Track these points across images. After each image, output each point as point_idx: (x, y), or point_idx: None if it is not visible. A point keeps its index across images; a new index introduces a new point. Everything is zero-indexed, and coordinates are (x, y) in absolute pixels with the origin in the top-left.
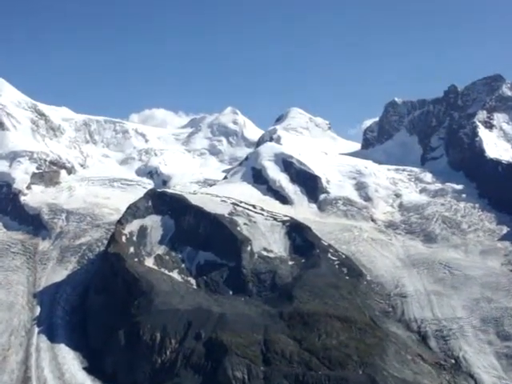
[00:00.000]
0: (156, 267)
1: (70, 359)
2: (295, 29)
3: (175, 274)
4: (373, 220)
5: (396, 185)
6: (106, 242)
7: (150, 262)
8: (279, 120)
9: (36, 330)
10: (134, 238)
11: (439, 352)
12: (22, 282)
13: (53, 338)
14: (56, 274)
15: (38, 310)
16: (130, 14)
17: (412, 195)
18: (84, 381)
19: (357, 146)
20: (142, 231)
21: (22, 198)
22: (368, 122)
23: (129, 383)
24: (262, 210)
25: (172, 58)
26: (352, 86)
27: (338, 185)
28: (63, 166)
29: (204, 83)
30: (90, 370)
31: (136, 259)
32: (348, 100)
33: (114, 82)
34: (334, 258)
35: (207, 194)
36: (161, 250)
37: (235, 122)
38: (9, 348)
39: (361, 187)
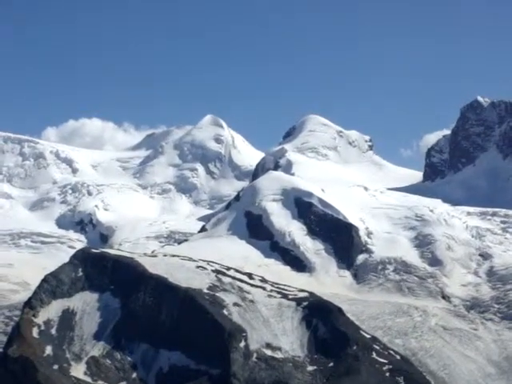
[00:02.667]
0: (89, 379)
1: None
2: None
3: None
4: (445, 297)
5: (482, 239)
6: (4, 338)
7: (79, 371)
8: (289, 136)
9: None
10: (53, 331)
11: None
12: None
13: None
14: None
15: None
16: None
17: (509, 256)
18: None
19: (416, 177)
20: (67, 319)
21: None
22: (432, 138)
23: None
24: (264, 281)
25: (110, 47)
26: (404, 84)
27: (386, 239)
28: None
29: (166, 81)
30: None
31: (56, 366)
32: (398, 105)
33: (19, 84)
34: (381, 360)
35: (174, 256)
36: (98, 349)
37: (218, 140)
38: None
39: (424, 243)
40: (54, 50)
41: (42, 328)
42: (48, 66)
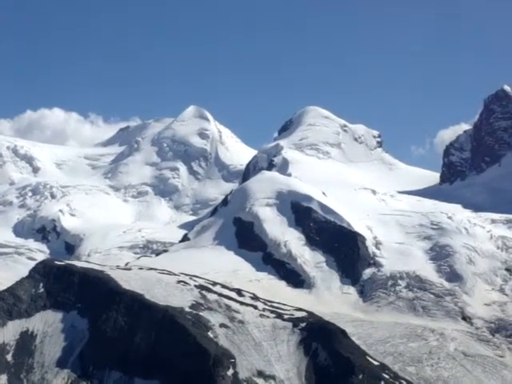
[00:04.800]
0: None
1: None
2: None
3: None
4: (466, 318)
5: (509, 250)
6: None
7: None
8: (286, 130)
9: None
10: (9, 357)
11: None
12: None
13: None
14: None
15: None
16: None
17: None
18: None
19: (432, 178)
20: (26, 343)
21: None
22: (448, 134)
23: None
24: (256, 298)
25: (74, 25)
26: (417, 73)
27: (397, 251)
28: None
29: (142, 65)
30: None
31: None
32: (409, 96)
33: None
34: None
35: (151, 269)
36: (62, 378)
37: (203, 135)
38: None
39: (442, 256)
40: (10, 30)
41: None
42: (1, 48)
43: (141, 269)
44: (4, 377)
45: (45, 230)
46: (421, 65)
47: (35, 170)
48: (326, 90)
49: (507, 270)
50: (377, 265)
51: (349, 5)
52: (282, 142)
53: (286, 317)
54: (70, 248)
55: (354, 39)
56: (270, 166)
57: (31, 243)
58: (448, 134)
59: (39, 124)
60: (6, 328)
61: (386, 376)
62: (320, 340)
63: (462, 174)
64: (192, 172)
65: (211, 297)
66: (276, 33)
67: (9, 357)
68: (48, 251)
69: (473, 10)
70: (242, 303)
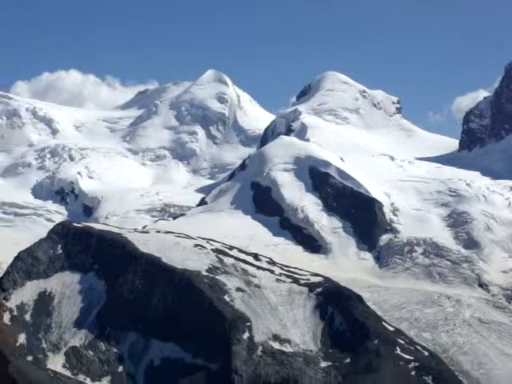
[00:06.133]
0: (68, 373)
1: None
2: None
3: None
4: (482, 285)
5: None
6: None
7: (56, 363)
8: (304, 95)
9: None
10: (27, 317)
11: None
12: None
13: None
14: None
15: None
16: None
17: None
18: None
19: (452, 145)
20: (44, 304)
21: None
22: (465, 100)
23: None
24: (272, 263)
25: None
26: (435, 39)
27: (414, 217)
28: None
29: (159, 28)
30: None
31: (30, 357)
32: (427, 63)
33: None
34: (407, 357)
35: (168, 232)
36: (79, 338)
37: (221, 99)
38: None
39: (459, 223)
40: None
41: (15, 313)
42: (17, 10)
43: (158, 232)
44: (23, 336)
45: (63, 192)
46: (439, 31)
47: (54, 131)
48: (346, 55)
49: None
50: (394, 231)
51: None
52: (300, 107)
53: (302, 282)
54: (88, 210)
55: (375, 5)
56: (288, 131)
57: (50, 205)
58: (466, 101)
59: (56, 86)
60: (25, 288)
61: (401, 342)
62: (336, 305)
63: (482, 140)
64: (210, 136)
65: (228, 261)
66: None
67: (27, 317)
68: (66, 213)
69: None
70: (258, 268)
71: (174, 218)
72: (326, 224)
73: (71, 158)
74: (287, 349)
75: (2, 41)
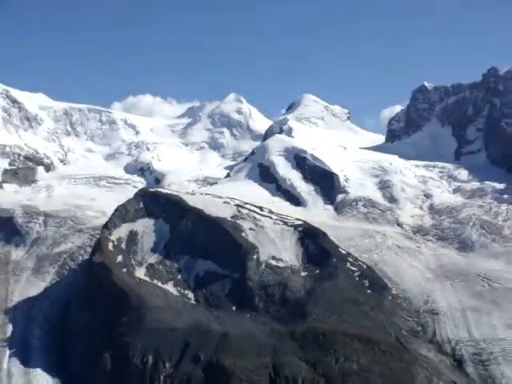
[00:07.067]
0: (148, 279)
1: None
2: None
3: (170, 287)
4: (399, 224)
5: (426, 184)
6: (89, 249)
7: (140, 273)
8: (290, 109)
9: (7, 352)
10: (123, 245)
11: (477, 379)
12: None
13: (27, 362)
14: (31, 286)
15: (9, 328)
16: None
17: (444, 196)
18: None
19: (380, 139)
20: (132, 237)
21: None
22: (390, 112)
23: None
24: (271, 212)
25: (157, 37)
26: (372, 71)
27: (358, 183)
28: (40, 162)
29: (199, 65)
30: None
31: (125, 269)
32: (366, 86)
33: (94, 67)
34: (353, 269)
35: (207, 194)
36: (154, 258)
37: (239, 112)
38: None
39: (385, 186)
40: (113, 44)
41: (115, 243)
42: (115, 54)
43: (201, 194)
44: (120, 257)
45: (143, 170)
46: (374, 63)
47: (137, 133)
48: (317, 82)
49: (424, 195)
50: (345, 192)
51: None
52: (288, 116)
53: (289, 224)
54: (158, 181)
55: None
56: (281, 132)
57: (135, 178)
58: (389, 112)
59: (137, 105)
60: (121, 228)
61: (350, 259)
62: (310, 238)
63: (399, 136)
64: (232, 134)
65: (243, 211)
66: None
67: (123, 245)
68: (145, 182)
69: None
70: (262, 215)
71: (211, 185)
72: (304, 189)
73: (147, 149)
74: (280, 264)
75: (107, 75)
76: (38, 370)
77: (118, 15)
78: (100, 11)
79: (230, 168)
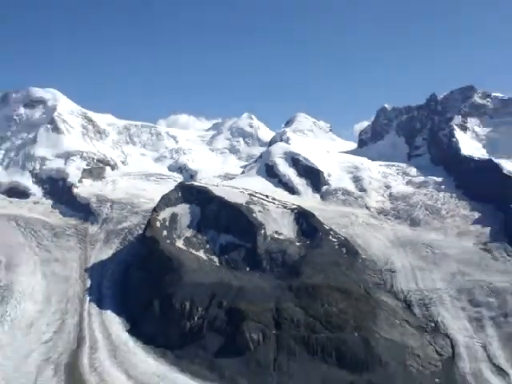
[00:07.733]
0: (185, 248)
1: (115, 323)
2: (299, 46)
3: (201, 254)
4: (367, 207)
5: (386, 178)
6: (143, 226)
7: (180, 244)
8: (288, 123)
9: (87, 298)
10: (167, 224)
11: (422, 317)
12: (75, 259)
13: (101, 306)
14: (103, 253)
15: (88, 282)
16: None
17: (400, 186)
18: (127, 341)
19: (353, 146)
20: (173, 218)
21: (75, 190)
22: (360, 126)
23: (163, 343)
24: (274, 199)
25: (193, 70)
26: (347, 94)
27: (337, 178)
28: (108, 164)
29: (222, 91)
30: (131, 332)
31: (168, 241)
32: (343, 107)
33: (145, 93)
34: (334, 240)
35: (228, 186)
36: (189, 233)
37: (251, 126)
38: (66, 313)
39: (357, 180)
40: (156, 69)
41: (161, 222)
42: (160, 81)
43: (223, 186)
44: (165, 232)
45: (181, 168)
46: (354, 81)
47: (177, 142)
48: (307, 103)
49: (385, 186)
50: (328, 184)
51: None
52: (286, 129)
53: (287, 207)
54: (192, 177)
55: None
56: (281, 140)
57: (175, 174)
58: (360, 126)
59: (177, 121)
60: (165, 211)
61: (332, 233)
62: (303, 218)
63: (367, 144)
64: (246, 143)
65: (255, 198)
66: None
67: (167, 223)
68: (182, 178)
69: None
70: (268, 201)
71: (231, 179)
72: (298, 182)
73: (184, 153)
74: (281, 237)
75: (153, 96)
76: (109, 311)
77: (158, 50)
78: (150, 51)
79: (244, 167)
